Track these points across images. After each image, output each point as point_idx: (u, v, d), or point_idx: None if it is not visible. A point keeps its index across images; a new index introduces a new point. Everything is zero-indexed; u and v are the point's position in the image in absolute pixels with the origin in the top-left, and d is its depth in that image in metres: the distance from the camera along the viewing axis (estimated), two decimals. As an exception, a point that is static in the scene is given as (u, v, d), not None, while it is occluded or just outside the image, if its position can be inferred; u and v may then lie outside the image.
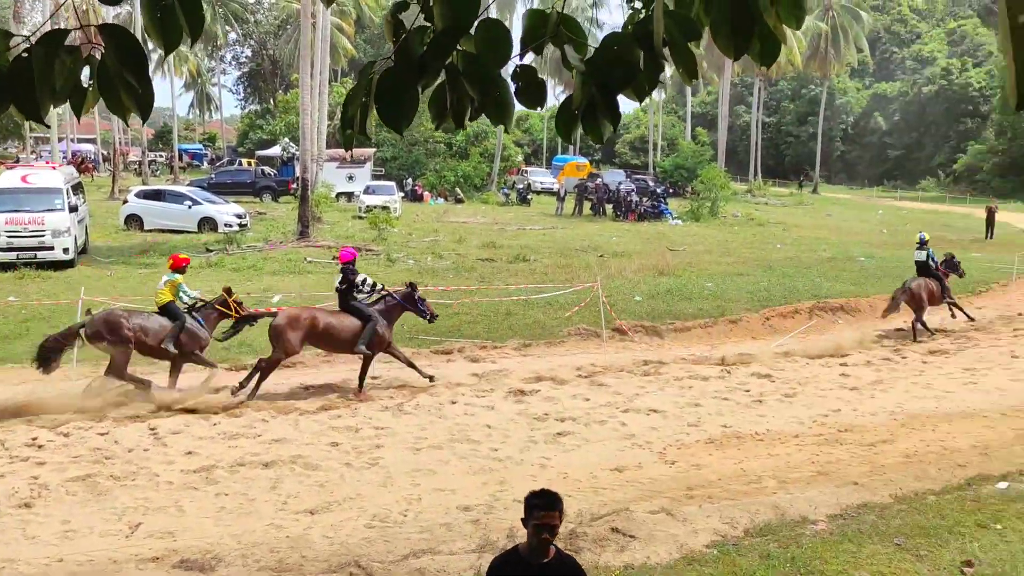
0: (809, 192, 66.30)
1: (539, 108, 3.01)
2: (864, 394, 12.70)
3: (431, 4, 2.63)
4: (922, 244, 18.02)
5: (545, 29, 2.82)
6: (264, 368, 11.88)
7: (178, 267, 12.13)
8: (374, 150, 48.55)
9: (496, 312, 17.38)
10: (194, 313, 12.17)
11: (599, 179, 47.89)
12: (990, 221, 35.90)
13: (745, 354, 14.96)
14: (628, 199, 40.25)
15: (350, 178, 44.45)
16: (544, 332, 16.30)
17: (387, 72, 2.66)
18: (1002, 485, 7.96)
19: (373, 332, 12.26)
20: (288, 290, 18.46)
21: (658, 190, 43.84)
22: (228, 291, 12.70)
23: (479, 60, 2.66)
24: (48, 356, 11.32)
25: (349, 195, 42.90)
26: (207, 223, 29.48)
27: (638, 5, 3.18)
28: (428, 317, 13.12)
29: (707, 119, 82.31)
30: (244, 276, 20.53)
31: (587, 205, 41.68)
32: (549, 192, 50.93)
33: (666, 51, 2.76)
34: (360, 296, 12.66)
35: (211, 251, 24.31)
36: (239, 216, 30.22)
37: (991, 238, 34.66)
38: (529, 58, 3.30)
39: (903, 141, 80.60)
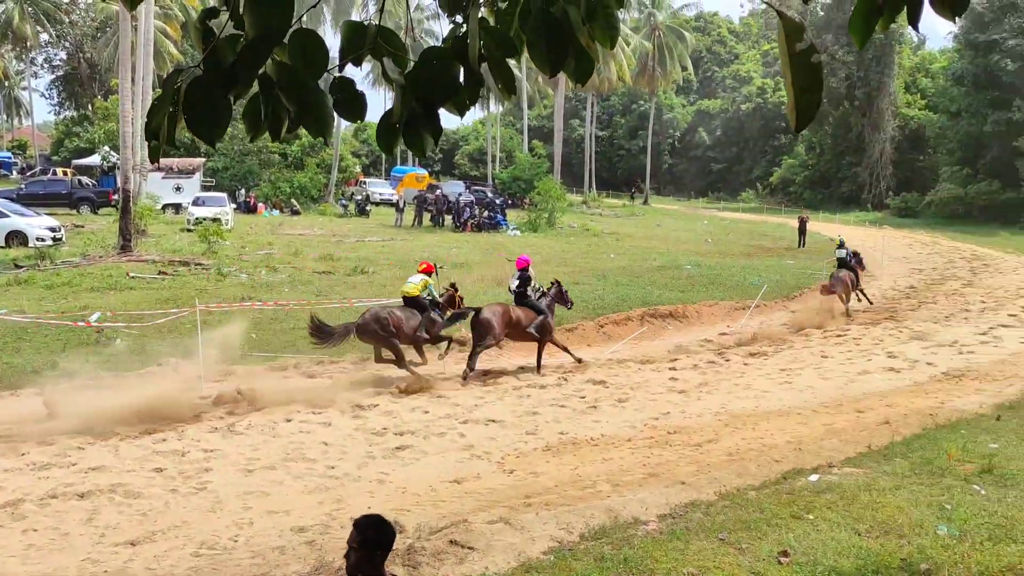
0: (640, 203, 69.18)
1: (359, 120, 2.96)
2: (691, 396, 13.31)
3: (241, 12, 2.54)
4: (842, 245, 22.64)
5: (363, 41, 2.79)
6: (474, 353, 14.37)
7: (428, 271, 15.00)
8: (203, 160, 46.61)
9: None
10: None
11: (438, 190, 48.00)
12: (802, 230, 38.70)
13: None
14: (467, 210, 40.58)
15: (177, 189, 42.52)
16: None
17: (195, 81, 2.54)
18: (813, 478, 8.52)
19: (543, 323, 15.11)
20: (109, 307, 17.37)
21: (497, 201, 44.44)
22: (454, 287, 15.38)
23: (294, 71, 2.59)
24: (323, 333, 13.48)
25: (177, 207, 41.01)
26: (16, 237, 27.39)
27: (459, 19, 3.20)
28: (569, 305, 16.38)
29: (543, 132, 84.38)
30: (58, 294, 19.16)
31: (427, 216, 41.69)
32: (388, 203, 50.53)
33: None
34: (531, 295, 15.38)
35: (20, 267, 22.54)
36: (53, 229, 28.23)
37: (803, 246, 37.31)
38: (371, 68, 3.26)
39: (725, 155, 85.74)
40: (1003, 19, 53.24)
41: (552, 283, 16.03)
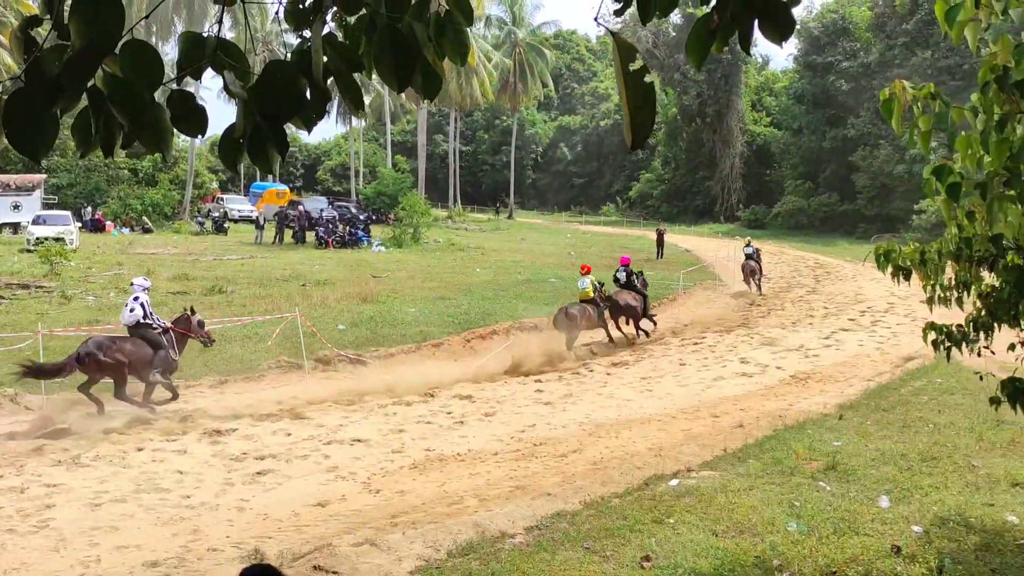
0: (505, 218, 69.99)
1: (199, 135, 2.85)
2: (556, 408, 13.51)
3: (66, 21, 2.39)
4: (748, 245, 28.65)
5: (202, 53, 2.68)
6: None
7: (588, 271, 19.80)
8: (44, 176, 43.93)
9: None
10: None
11: (300, 206, 46.98)
12: (660, 242, 40.06)
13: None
14: (331, 226, 39.92)
15: (15, 207, 39.90)
16: (243, 367, 15.64)
17: (16, 94, 2.38)
18: (673, 483, 8.79)
19: (642, 303, 20.40)
20: (-64, 335, 16.08)
21: (361, 217, 43.93)
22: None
23: (127, 84, 2.46)
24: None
25: (15, 226, 38.48)
26: None
27: (307, 33, 3.13)
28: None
29: (407, 147, 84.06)
30: None
31: (288, 233, 40.73)
32: (248, 220, 49.05)
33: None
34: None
35: None
36: None
37: (661, 258, 38.63)
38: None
39: (586, 170, 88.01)
40: (837, 42, 57.18)
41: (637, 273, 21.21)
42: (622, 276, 20.79)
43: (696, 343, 19.49)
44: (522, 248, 42.87)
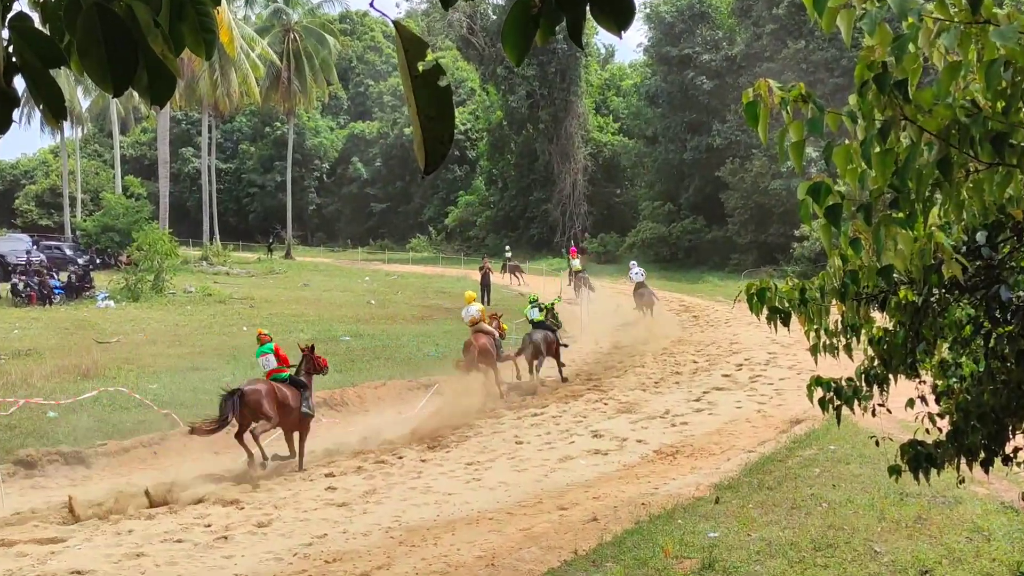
0: (281, 257, 68.81)
1: None
2: (355, 510, 13.33)
3: None
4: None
5: None
6: None
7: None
8: None
9: None
10: None
11: (-9, 248, 44.51)
12: (485, 283, 40.51)
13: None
14: (36, 275, 37.87)
15: None
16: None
17: None
18: (510, 600, 8.84)
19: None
20: None
21: (80, 261, 42.08)
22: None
23: None
24: None
25: None
26: None
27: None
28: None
29: (144, 164, 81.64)
30: None
31: (-27, 286, 38.46)
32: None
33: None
34: None
35: None
36: None
37: (487, 303, 39.02)
38: None
39: (388, 191, 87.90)
40: (695, 30, 60.17)
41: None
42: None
43: (536, 414, 19.76)
44: (305, 296, 42.33)
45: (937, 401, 5.67)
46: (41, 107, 2.70)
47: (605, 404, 20.59)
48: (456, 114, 2.68)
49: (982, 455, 5.44)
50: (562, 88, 69.33)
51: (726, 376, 23.22)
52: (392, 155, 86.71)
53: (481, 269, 42.36)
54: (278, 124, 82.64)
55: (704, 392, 21.23)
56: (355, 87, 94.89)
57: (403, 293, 44.78)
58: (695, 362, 25.67)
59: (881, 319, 5.38)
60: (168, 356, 24.57)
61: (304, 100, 69.29)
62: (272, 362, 16.94)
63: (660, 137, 63.15)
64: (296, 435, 16.45)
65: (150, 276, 39.25)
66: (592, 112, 74.37)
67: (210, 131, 69.82)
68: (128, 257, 43.24)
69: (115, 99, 61.40)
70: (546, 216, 71.26)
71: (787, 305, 5.27)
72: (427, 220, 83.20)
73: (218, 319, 32.96)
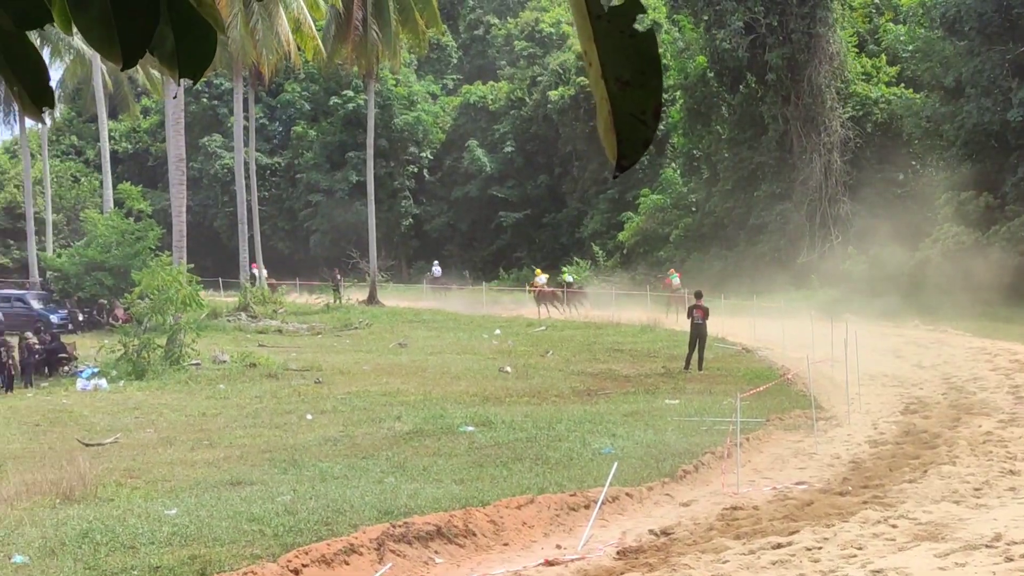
0: (361, 302, 51.60)
1: None
2: None
3: None
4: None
5: None
6: None
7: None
8: None
9: None
10: None
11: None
12: (699, 334, 32.60)
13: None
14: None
15: None
16: None
17: None
18: None
19: None
20: None
21: (54, 317, 36.39)
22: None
23: None
24: None
25: None
26: None
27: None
28: None
29: (146, 165, 65.68)
30: None
31: None
32: None
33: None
34: None
35: None
36: None
37: (701, 368, 31.03)
38: None
39: (526, 192, 67.94)
40: None
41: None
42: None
43: (777, 545, 13.43)
44: (401, 364, 33.14)
45: None
46: (15, 89, 2.25)
47: (893, 526, 14.09)
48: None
49: None
50: (803, 14, 46.09)
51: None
52: (531, 134, 63.61)
53: (690, 314, 31.32)
54: (350, 93, 63.01)
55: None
56: (468, 30, 72.15)
57: (556, 354, 34.88)
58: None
59: None
60: (192, 464, 18.48)
61: (389, 54, 49.24)
62: None
63: (968, 88, 40.80)
64: None
65: (160, 339, 30.54)
66: (853, 52, 50.04)
67: (247, 108, 50.87)
68: (126, 311, 33.87)
69: (104, 64, 44.73)
70: (782, 222, 48.44)
71: None
72: (589, 235, 60.48)
73: (267, 404, 25.78)
